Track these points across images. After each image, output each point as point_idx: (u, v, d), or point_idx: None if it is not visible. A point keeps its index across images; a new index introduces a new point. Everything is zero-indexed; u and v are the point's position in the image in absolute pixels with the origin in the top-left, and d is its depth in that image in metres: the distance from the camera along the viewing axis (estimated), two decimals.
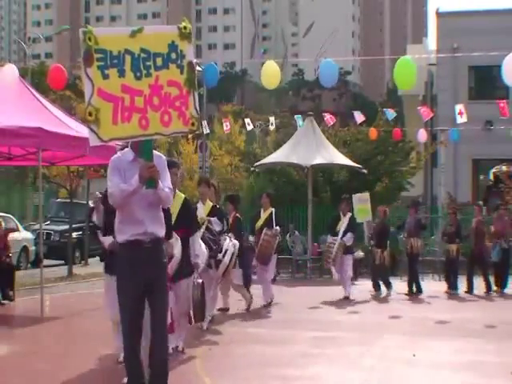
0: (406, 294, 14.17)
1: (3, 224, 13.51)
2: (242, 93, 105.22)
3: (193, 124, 5.20)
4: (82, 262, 21.61)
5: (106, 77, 4.89)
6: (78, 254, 21.68)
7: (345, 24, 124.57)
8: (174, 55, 5.15)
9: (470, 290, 14.62)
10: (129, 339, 5.32)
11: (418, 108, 20.49)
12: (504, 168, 23.90)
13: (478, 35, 26.56)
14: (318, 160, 19.16)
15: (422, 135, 21.61)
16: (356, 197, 16.03)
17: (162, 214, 5.47)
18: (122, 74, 4.95)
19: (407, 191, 25.97)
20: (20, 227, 19.54)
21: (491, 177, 25.22)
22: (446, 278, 15.09)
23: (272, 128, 25.36)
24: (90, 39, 4.86)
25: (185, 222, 7.37)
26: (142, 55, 5.03)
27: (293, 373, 7.01)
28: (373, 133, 22.07)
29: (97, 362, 7.51)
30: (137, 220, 5.26)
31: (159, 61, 5.10)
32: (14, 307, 11.52)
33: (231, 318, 10.77)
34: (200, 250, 7.80)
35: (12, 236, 14.42)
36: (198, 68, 26.98)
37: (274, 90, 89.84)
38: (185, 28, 5.20)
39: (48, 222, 22.19)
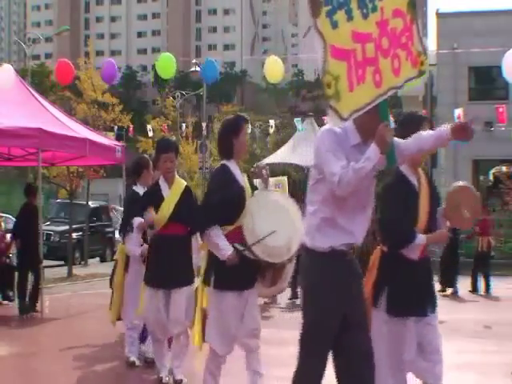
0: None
1: (3, 224, 13.51)
2: (242, 93, 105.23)
3: (422, 63, 3.89)
4: (82, 262, 21.64)
5: (334, 25, 3.71)
6: (77, 254, 21.70)
7: None
8: None
9: None
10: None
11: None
12: (504, 169, 23.93)
13: (478, 36, 26.58)
14: None
15: None
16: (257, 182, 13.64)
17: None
18: (349, 15, 3.73)
19: None
20: None
21: (491, 177, 25.25)
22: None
23: (272, 130, 25.45)
24: None
25: (186, 216, 6.13)
26: None
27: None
28: None
29: (97, 363, 7.50)
30: (345, 222, 3.95)
31: None
32: (14, 307, 11.51)
33: None
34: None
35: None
36: (196, 68, 27.08)
37: (274, 91, 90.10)
38: None
39: (48, 223, 22.18)
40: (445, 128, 3.79)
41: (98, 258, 23.83)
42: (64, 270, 17.66)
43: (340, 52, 3.70)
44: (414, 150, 3.94)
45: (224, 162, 5.12)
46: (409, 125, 4.50)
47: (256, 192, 5.20)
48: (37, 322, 10.32)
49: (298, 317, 4.30)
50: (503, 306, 13.39)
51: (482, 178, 29.26)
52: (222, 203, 4.89)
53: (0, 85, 11.29)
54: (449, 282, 14.52)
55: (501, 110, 17.70)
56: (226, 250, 4.88)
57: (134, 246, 6.70)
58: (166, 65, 13.50)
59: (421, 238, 4.51)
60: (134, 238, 6.62)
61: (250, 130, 4.05)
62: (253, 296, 5.17)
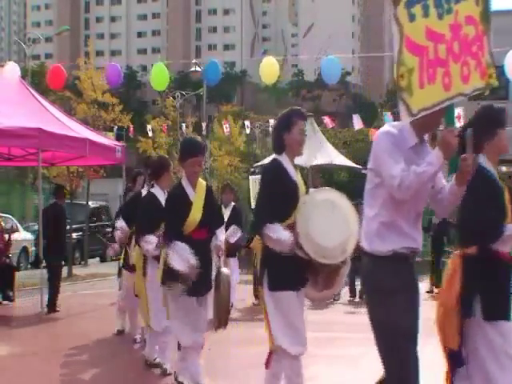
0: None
1: (3, 224, 13.53)
2: (242, 93, 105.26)
3: (490, 76, 3.84)
4: (82, 262, 21.66)
5: (412, 18, 3.66)
6: (77, 254, 21.74)
7: (345, 25, 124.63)
8: None
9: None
10: None
11: None
12: (504, 169, 23.93)
13: None
14: (318, 160, 19.19)
15: None
16: (253, 179, 13.65)
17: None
18: (426, 11, 3.67)
19: None
20: (20, 228, 19.54)
21: None
22: None
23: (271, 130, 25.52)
24: None
25: (210, 219, 5.91)
26: None
27: None
28: (374, 134, 22.12)
29: (97, 363, 7.51)
30: (406, 227, 3.81)
31: None
32: (14, 307, 11.52)
33: (231, 318, 10.75)
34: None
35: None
36: (196, 68, 27.08)
37: (274, 91, 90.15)
38: None
39: None
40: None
41: (97, 258, 23.86)
42: (64, 270, 17.64)
43: (414, 46, 3.66)
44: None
45: (275, 156, 4.94)
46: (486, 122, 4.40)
47: (310, 190, 4.98)
48: (37, 321, 10.32)
49: None
50: None
51: None
52: (275, 199, 4.67)
53: (6, 82, 11.32)
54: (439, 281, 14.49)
55: None
56: (287, 238, 4.59)
57: (153, 247, 6.45)
58: (159, 77, 13.80)
59: (511, 227, 4.22)
60: (153, 240, 6.47)
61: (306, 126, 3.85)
62: (301, 297, 4.93)
